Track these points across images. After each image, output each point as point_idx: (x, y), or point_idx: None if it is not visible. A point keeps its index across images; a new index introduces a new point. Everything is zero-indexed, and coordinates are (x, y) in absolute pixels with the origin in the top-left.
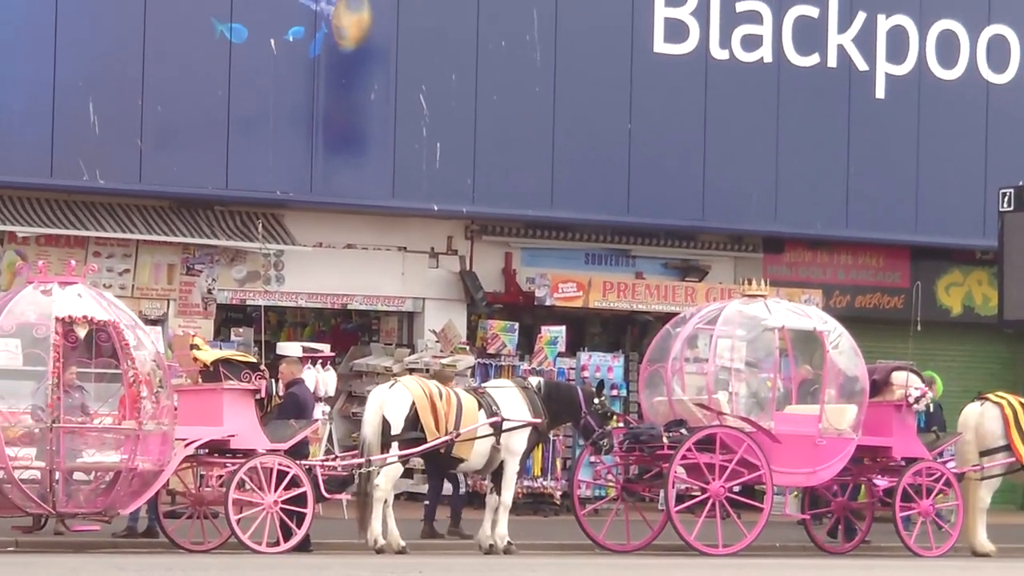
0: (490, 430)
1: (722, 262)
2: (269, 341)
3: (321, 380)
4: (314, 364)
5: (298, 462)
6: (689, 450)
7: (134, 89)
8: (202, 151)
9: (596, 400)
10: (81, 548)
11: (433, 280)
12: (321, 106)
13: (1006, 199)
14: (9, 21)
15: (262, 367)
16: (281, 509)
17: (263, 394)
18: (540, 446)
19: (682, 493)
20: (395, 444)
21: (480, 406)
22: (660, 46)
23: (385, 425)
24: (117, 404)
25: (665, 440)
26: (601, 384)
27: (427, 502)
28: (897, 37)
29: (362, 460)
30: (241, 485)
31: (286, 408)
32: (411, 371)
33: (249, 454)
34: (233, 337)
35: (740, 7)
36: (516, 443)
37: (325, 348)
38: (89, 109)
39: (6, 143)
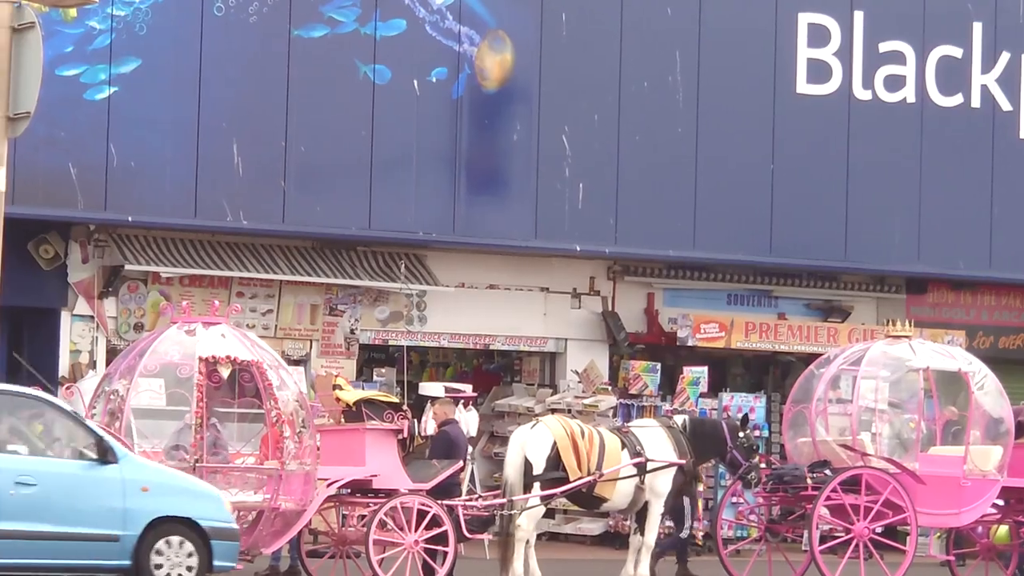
0: (633, 470)
1: (865, 303)
2: (411, 381)
3: (463, 420)
4: (456, 404)
5: (440, 502)
6: (834, 491)
7: (278, 131)
8: (345, 192)
9: (741, 434)
10: None
11: (575, 320)
12: (464, 147)
13: None
14: (154, 64)
15: (404, 407)
16: (423, 549)
17: (405, 434)
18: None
19: (825, 534)
20: (537, 484)
21: (624, 446)
22: (803, 87)
23: (527, 465)
24: (259, 444)
25: (809, 481)
26: (745, 418)
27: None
28: None
29: (504, 500)
30: (383, 525)
31: (437, 447)
32: (553, 411)
33: (391, 494)
34: (375, 377)
35: (883, 47)
36: (661, 484)
37: (467, 388)
38: (233, 151)
39: (151, 184)
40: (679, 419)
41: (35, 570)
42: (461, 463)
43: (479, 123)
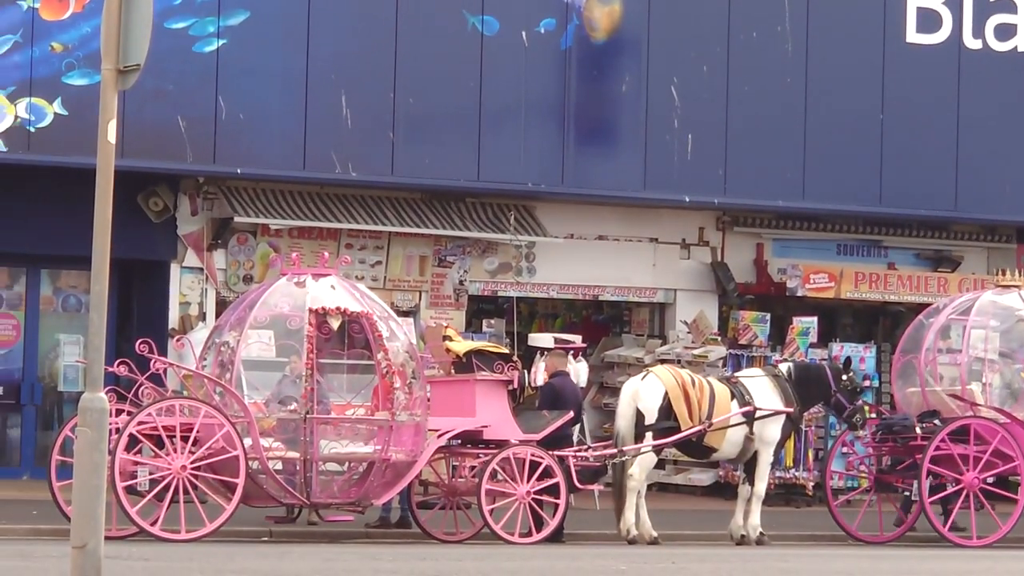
0: (742, 419)
1: (975, 252)
2: (520, 332)
3: (573, 371)
4: (566, 355)
5: (551, 453)
6: (943, 441)
7: (386, 82)
8: (454, 143)
9: (844, 377)
10: (335, 538)
11: (684, 271)
12: (572, 98)
13: None
14: (263, 16)
15: (514, 358)
16: (534, 500)
17: (515, 385)
18: (793, 436)
19: (935, 484)
20: (648, 434)
21: (733, 395)
22: (912, 36)
23: (639, 416)
24: (370, 395)
25: (918, 431)
26: (848, 361)
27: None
28: None
29: (615, 451)
30: (494, 476)
31: (545, 398)
32: (662, 362)
33: (502, 445)
34: (485, 328)
35: None
36: (770, 432)
37: (577, 339)
38: (342, 102)
39: (260, 137)
40: (784, 367)
41: None
42: (571, 414)
43: (587, 74)
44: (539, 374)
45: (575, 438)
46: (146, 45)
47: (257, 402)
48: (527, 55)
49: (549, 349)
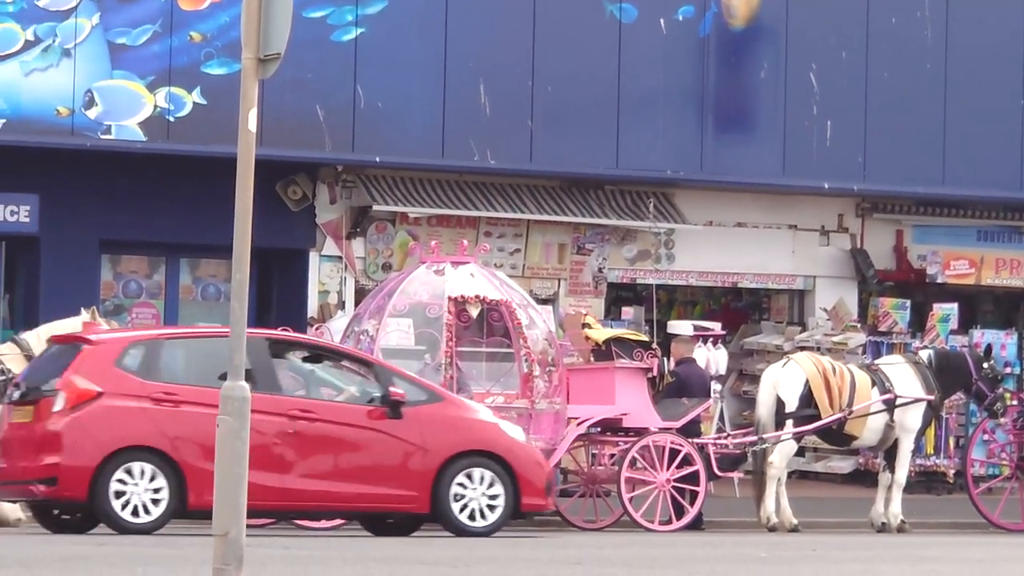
0: (883, 407)
1: None
2: (659, 320)
3: (712, 358)
4: (705, 342)
5: (690, 440)
6: None
7: (524, 70)
8: (592, 131)
9: (985, 364)
10: None
11: (824, 258)
12: (711, 85)
13: None
14: (401, 4)
15: (654, 345)
16: (673, 487)
17: (655, 372)
18: (933, 423)
19: None
20: (789, 422)
21: (873, 383)
22: None
23: (779, 403)
24: (518, 383)
25: None
26: (989, 348)
27: None
28: None
29: (755, 438)
30: (633, 463)
31: (672, 387)
32: (802, 349)
33: (641, 432)
34: (623, 316)
35: None
36: (911, 420)
37: (716, 326)
38: (480, 90)
39: (398, 125)
40: (924, 354)
41: None
42: (710, 401)
43: (726, 61)
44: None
45: (714, 425)
46: (286, 34)
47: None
48: (665, 43)
49: (677, 336)
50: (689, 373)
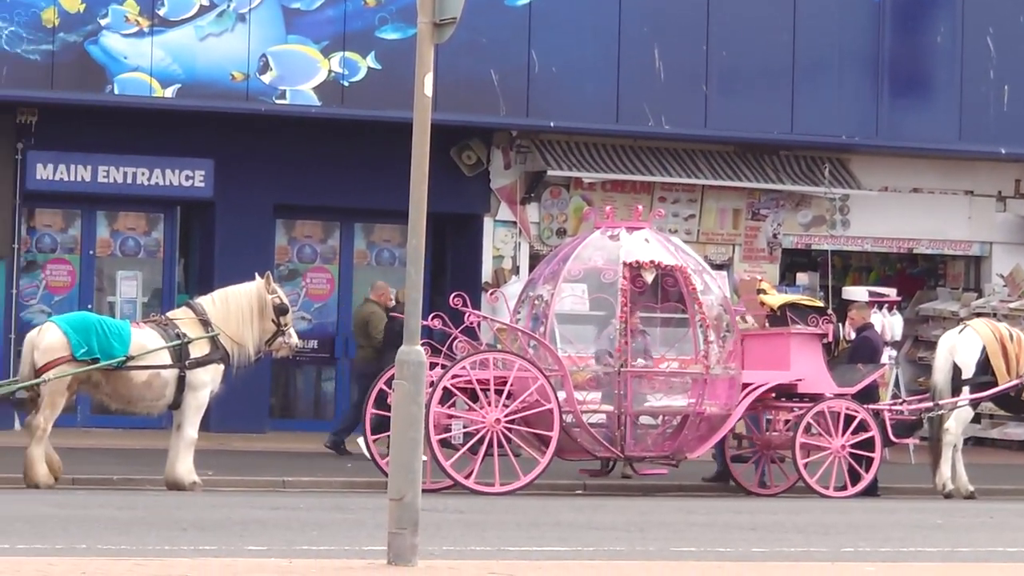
0: None
1: None
2: (835, 285)
3: (887, 324)
4: (880, 308)
5: (865, 407)
6: None
7: (699, 35)
8: (767, 96)
9: None
10: (648, 491)
11: (1000, 224)
12: (886, 49)
13: None
14: None
15: (829, 311)
16: (849, 454)
17: (830, 338)
18: None
19: None
20: (966, 388)
21: None
22: None
23: (956, 370)
24: (691, 349)
25: None
26: None
27: None
28: None
29: (931, 404)
30: (808, 429)
31: (856, 352)
32: (978, 315)
33: (816, 398)
34: (798, 281)
35: None
36: None
37: (891, 292)
38: (655, 55)
39: (573, 90)
40: None
41: None
42: (885, 367)
43: (902, 25)
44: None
45: (889, 392)
46: None
47: (571, 356)
48: (841, 6)
49: (855, 302)
50: (876, 339)
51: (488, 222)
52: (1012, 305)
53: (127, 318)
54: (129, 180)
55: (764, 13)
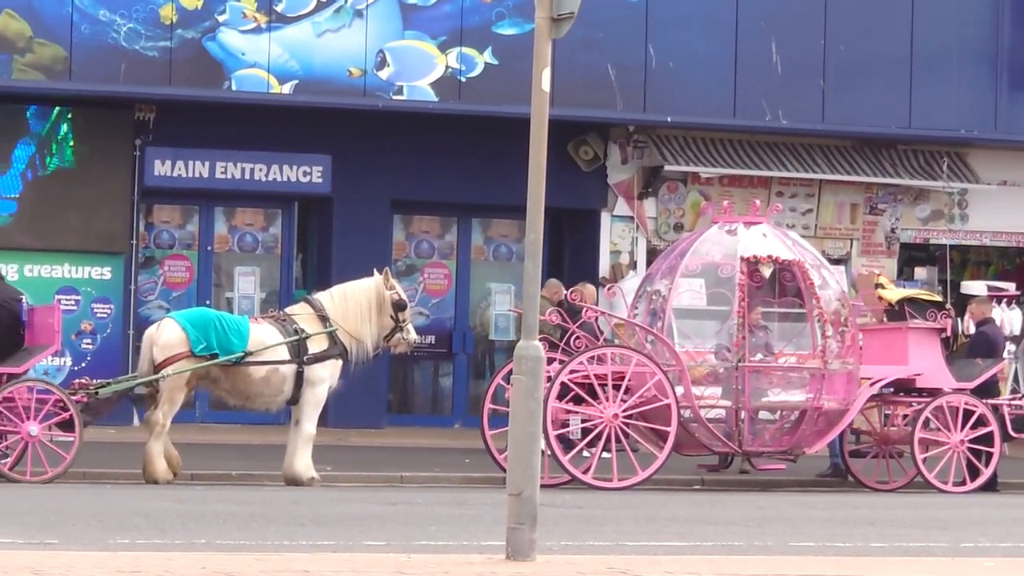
0: None
1: None
2: (953, 280)
3: (1006, 319)
4: (999, 303)
5: (984, 401)
6: None
7: (816, 28)
8: (884, 90)
9: None
10: (767, 487)
11: None
12: (1005, 42)
13: None
14: None
15: (947, 306)
16: (967, 449)
17: (948, 333)
18: None
19: None
20: None
21: None
22: None
23: None
24: (809, 344)
25: None
26: None
27: None
28: None
29: None
30: (927, 424)
31: (976, 347)
32: None
33: (935, 393)
34: (916, 276)
35: None
36: None
37: (1010, 287)
38: (771, 49)
39: (689, 84)
40: None
41: None
42: (1004, 362)
43: (1021, 17)
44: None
45: (1008, 386)
46: None
47: (688, 350)
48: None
49: (975, 297)
50: (996, 333)
51: (605, 217)
52: None
53: (245, 314)
54: (247, 176)
55: (881, 6)
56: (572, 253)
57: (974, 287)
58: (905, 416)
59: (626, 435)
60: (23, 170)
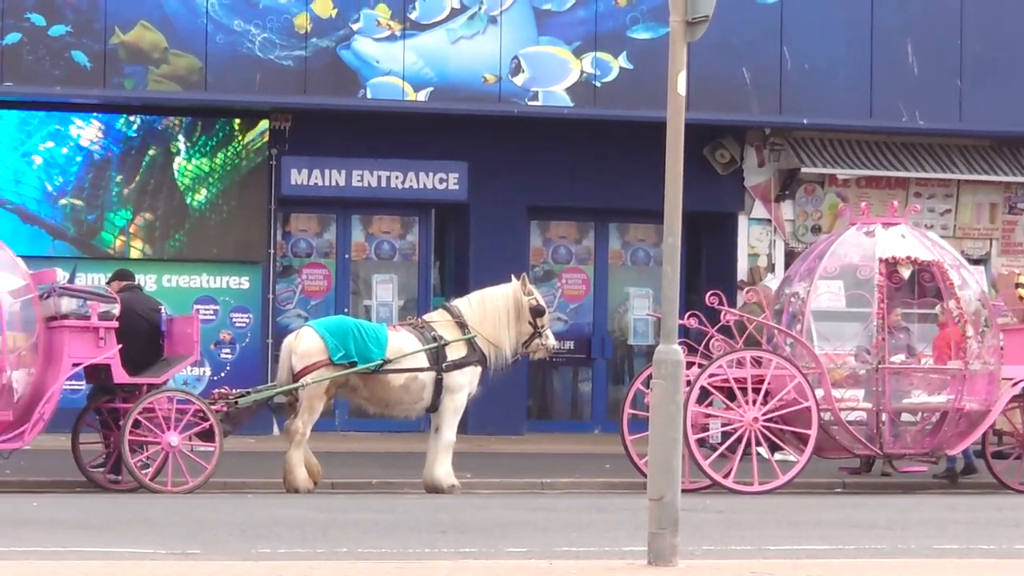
0: None
1: None
2: None
3: None
4: None
5: None
6: None
7: (952, 28)
8: (1023, 88)
9: None
10: (909, 489)
11: None
12: None
13: None
14: None
15: None
16: None
17: None
18: None
19: None
20: None
21: None
22: None
23: None
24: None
25: None
26: None
27: None
28: None
29: None
30: None
31: None
32: None
33: None
34: None
35: None
36: None
37: None
38: (907, 49)
39: (825, 86)
40: None
41: None
42: None
43: None
44: None
45: None
46: None
47: (827, 353)
48: None
49: None
50: None
51: (743, 220)
52: None
53: (383, 321)
54: (383, 184)
55: (1018, 4)
56: (710, 257)
57: None
58: None
59: (767, 438)
60: (160, 181)
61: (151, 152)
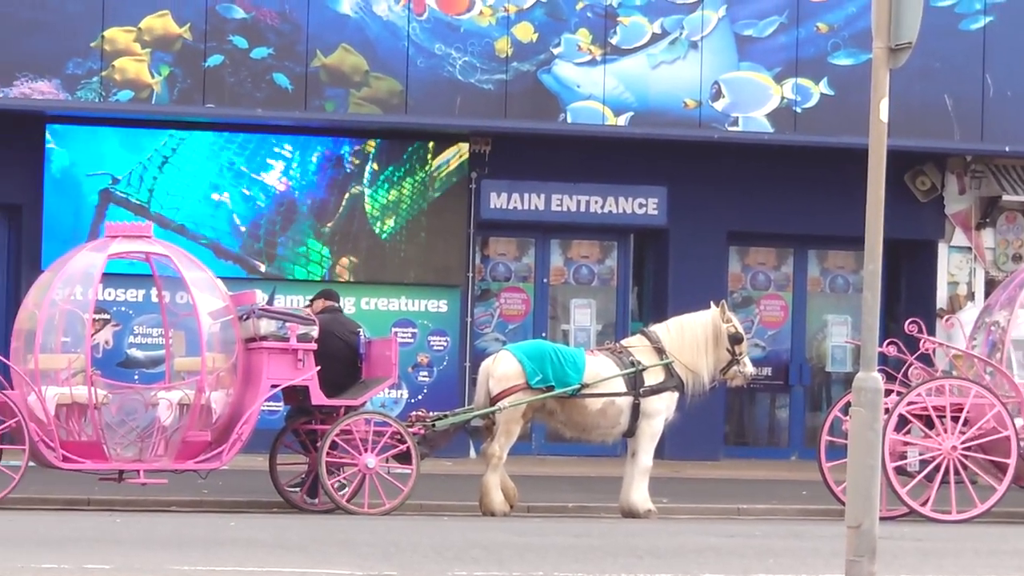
0: None
1: None
2: None
3: None
4: None
5: None
6: None
7: None
8: None
9: None
10: None
11: None
12: None
13: None
14: None
15: None
16: None
17: None
18: None
19: None
20: None
21: None
22: None
23: None
24: None
25: None
26: None
27: None
28: None
29: None
30: None
31: None
32: None
33: None
34: None
35: None
36: None
37: None
38: None
39: None
40: None
41: None
42: None
43: None
44: None
45: None
46: (918, 23)
47: (1015, 383)
48: None
49: None
50: None
51: (943, 248)
52: None
53: (581, 346)
54: (582, 208)
55: None
56: (909, 284)
57: None
58: None
59: (965, 467)
60: (360, 205)
61: (345, 177)
